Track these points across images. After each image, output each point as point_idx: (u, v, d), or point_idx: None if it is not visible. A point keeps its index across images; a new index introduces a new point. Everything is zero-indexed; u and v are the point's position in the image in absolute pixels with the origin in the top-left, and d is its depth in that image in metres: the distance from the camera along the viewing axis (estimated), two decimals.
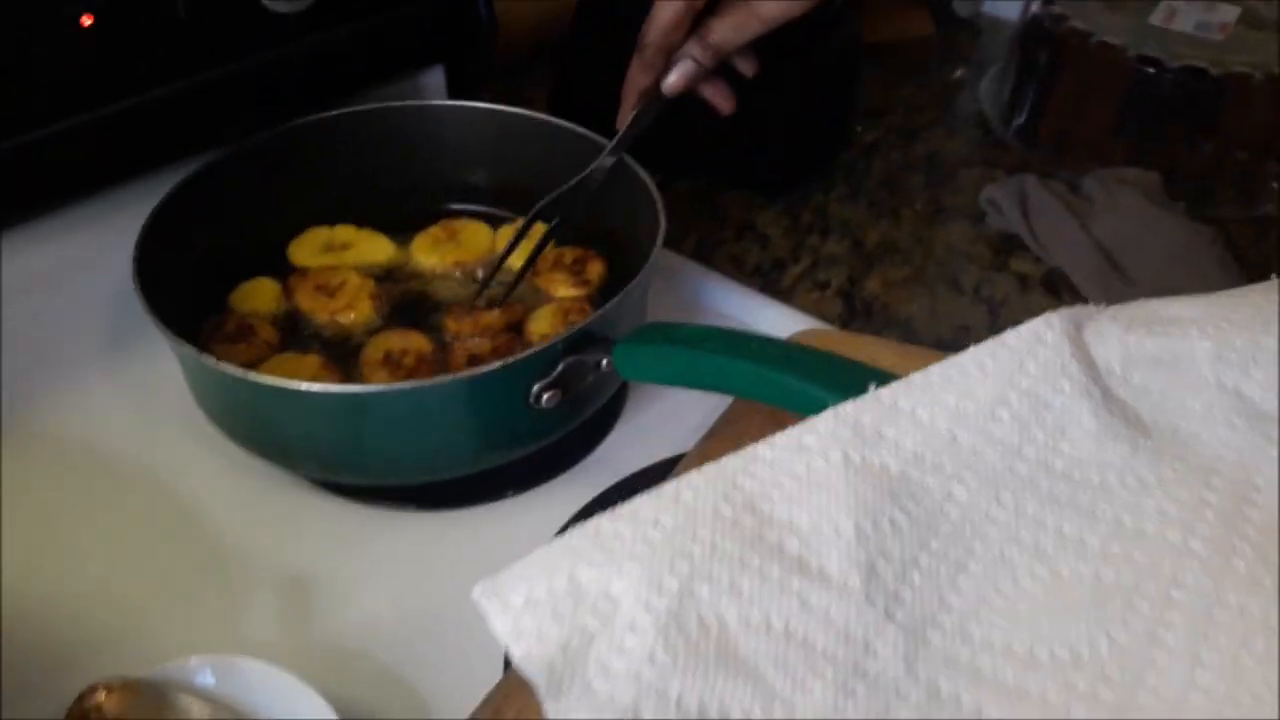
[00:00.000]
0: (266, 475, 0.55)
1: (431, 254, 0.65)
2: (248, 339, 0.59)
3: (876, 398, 0.36)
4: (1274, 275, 0.43)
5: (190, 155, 0.61)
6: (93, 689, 0.40)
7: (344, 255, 0.66)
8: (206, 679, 0.42)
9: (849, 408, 0.36)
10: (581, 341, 0.50)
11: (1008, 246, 0.73)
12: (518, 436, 0.53)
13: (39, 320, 0.61)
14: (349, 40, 0.65)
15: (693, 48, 0.60)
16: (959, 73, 0.96)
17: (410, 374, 0.57)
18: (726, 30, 0.59)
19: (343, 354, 0.59)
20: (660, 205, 0.58)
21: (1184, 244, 0.67)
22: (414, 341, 0.59)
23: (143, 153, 0.59)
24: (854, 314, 0.68)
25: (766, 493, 0.34)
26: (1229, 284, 0.64)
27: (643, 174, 0.61)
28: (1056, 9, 0.82)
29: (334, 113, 0.66)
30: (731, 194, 0.79)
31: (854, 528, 0.33)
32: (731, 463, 0.35)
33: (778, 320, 0.65)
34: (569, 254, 0.66)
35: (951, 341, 0.65)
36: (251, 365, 0.57)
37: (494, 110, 0.68)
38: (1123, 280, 0.67)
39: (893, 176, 0.81)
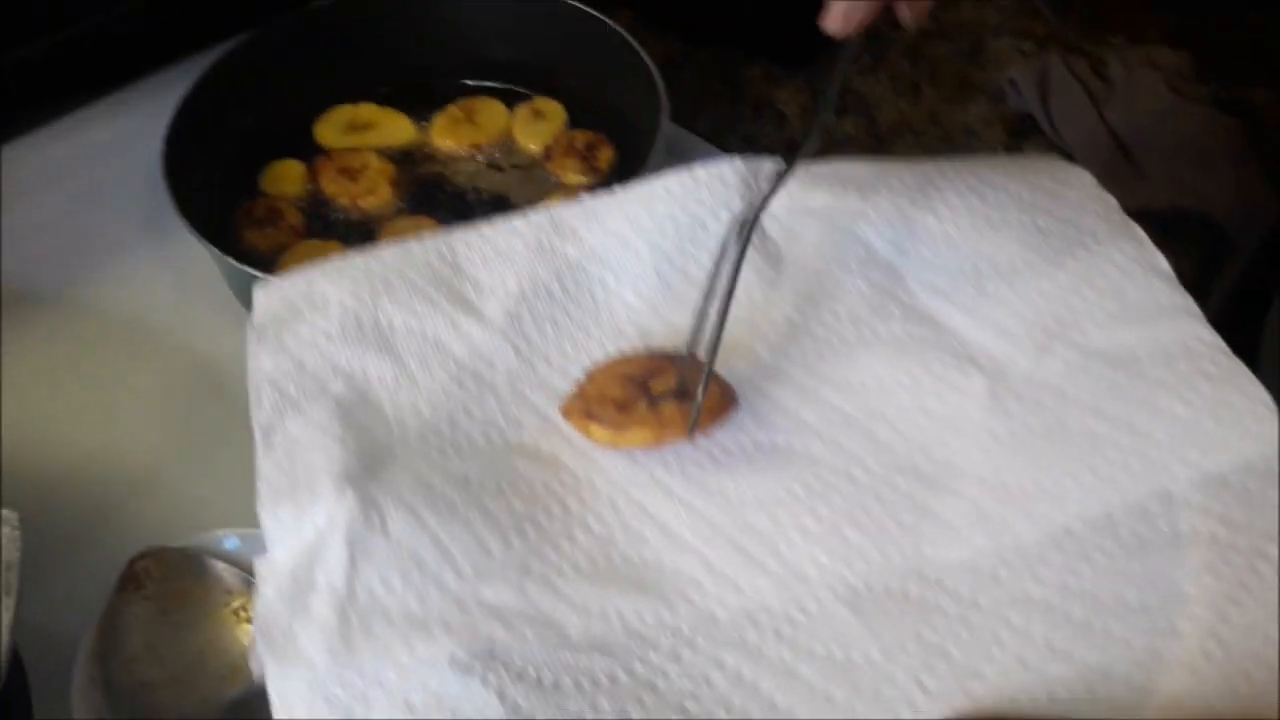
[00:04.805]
0: None
1: (449, 136, 0.68)
2: (275, 224, 0.63)
3: (583, 204, 0.47)
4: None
5: (219, 41, 0.64)
6: (140, 555, 0.46)
7: (366, 136, 0.68)
8: (234, 547, 0.47)
9: (560, 207, 0.46)
10: None
11: (1023, 129, 0.72)
12: None
13: (80, 203, 0.66)
14: None
15: None
16: None
17: None
18: None
19: (363, 237, 0.63)
20: (664, 97, 0.59)
21: (1201, 138, 0.66)
22: (425, 227, 0.63)
23: (171, 42, 0.62)
24: None
25: (471, 255, 0.45)
26: (1243, 181, 0.64)
27: (647, 59, 0.62)
28: None
29: None
30: (753, 66, 0.79)
31: (518, 287, 0.44)
32: (459, 232, 0.46)
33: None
34: (580, 138, 0.67)
35: None
36: (278, 251, 0.61)
37: None
38: (1134, 172, 0.67)
39: (919, 47, 0.80)
